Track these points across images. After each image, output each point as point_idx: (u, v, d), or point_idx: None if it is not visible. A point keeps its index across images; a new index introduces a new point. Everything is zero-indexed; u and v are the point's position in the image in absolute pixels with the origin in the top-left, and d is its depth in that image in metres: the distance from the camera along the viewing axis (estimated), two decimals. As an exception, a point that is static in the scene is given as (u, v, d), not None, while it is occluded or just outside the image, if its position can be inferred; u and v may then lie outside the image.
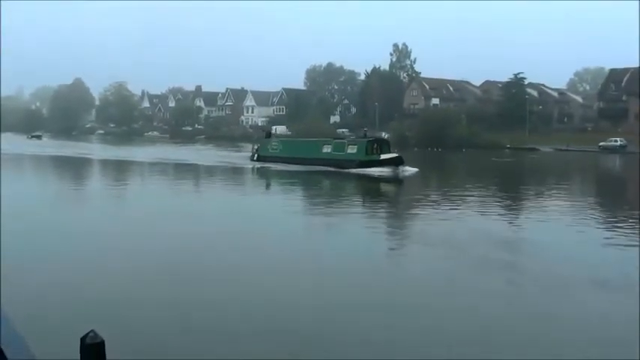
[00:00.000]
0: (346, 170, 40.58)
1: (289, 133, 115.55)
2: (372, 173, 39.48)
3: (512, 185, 37.12)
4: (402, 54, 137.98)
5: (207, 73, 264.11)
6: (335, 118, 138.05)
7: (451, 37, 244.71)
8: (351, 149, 43.41)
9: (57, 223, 17.95)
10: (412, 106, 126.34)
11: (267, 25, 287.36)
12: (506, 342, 9.02)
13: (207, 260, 12.99)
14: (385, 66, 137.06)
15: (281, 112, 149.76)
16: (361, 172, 39.64)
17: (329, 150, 44.75)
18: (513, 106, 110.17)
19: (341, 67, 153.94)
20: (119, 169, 46.37)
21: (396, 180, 38.02)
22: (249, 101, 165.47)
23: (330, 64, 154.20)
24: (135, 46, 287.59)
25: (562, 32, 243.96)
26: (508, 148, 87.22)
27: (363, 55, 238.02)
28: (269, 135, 55.22)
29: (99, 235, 16.15)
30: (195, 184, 34.42)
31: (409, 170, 40.73)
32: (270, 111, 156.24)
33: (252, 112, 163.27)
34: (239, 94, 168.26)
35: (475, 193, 31.26)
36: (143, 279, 11.54)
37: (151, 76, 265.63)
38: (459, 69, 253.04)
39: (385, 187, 35.49)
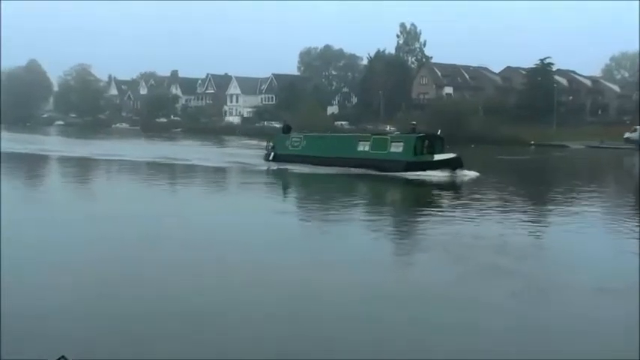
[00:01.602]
0: (389, 174, 37.01)
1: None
2: (424, 178, 36.11)
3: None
4: (410, 36, 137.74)
5: (185, 55, 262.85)
6: (333, 109, 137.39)
7: (467, 17, 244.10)
8: (396, 147, 39.55)
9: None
10: (422, 96, 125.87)
11: (254, 2, 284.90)
12: None
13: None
14: (391, 49, 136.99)
15: (270, 102, 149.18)
16: (409, 177, 36.22)
17: (366, 148, 41.15)
18: (539, 96, 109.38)
19: (340, 51, 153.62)
20: (91, 171, 42.08)
21: (455, 187, 34.20)
22: (234, 89, 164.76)
23: (327, 47, 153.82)
24: (101, 25, 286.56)
25: (594, 11, 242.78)
26: (532, 144, 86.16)
27: (366, 36, 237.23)
28: (288, 129, 50.26)
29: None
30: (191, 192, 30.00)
31: (469, 174, 37.16)
32: (257, 100, 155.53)
33: (237, 102, 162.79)
34: (222, 81, 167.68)
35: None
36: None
37: (119, 59, 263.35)
38: (475, 54, 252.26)
39: (450, 198, 30.39)
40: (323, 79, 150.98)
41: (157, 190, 29.99)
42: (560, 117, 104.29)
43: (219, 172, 41.61)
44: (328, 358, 8.97)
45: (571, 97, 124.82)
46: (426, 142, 39.53)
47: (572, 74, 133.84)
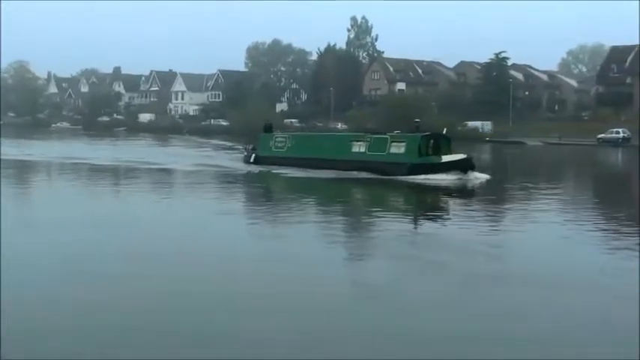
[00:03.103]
0: (390, 177, 34.34)
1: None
2: (430, 182, 33.31)
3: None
4: (361, 30, 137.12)
5: (127, 52, 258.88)
6: (282, 106, 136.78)
7: (419, 11, 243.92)
8: (397, 148, 36.76)
9: None
10: (373, 92, 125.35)
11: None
12: None
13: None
14: (342, 44, 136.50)
15: (217, 99, 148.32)
16: (413, 181, 33.44)
17: (362, 149, 38.31)
18: (494, 92, 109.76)
19: (289, 45, 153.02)
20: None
21: (467, 192, 31.88)
22: (179, 86, 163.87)
23: (275, 41, 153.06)
24: (38, 19, 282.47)
25: (550, 4, 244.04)
26: (488, 140, 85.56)
27: (316, 30, 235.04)
28: (270, 128, 47.03)
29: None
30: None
31: (480, 177, 34.78)
32: (204, 97, 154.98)
33: (183, 99, 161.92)
34: (166, 78, 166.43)
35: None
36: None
37: (58, 55, 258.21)
38: (429, 49, 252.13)
39: (474, 206, 27.12)
40: (271, 76, 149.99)
41: (145, 196, 28.27)
42: (516, 112, 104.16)
43: (195, 176, 37.49)
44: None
45: (527, 92, 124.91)
46: (432, 141, 37.17)
47: (529, 69, 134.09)
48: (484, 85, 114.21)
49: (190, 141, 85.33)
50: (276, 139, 43.88)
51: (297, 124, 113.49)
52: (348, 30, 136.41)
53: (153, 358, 8.93)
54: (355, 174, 35.52)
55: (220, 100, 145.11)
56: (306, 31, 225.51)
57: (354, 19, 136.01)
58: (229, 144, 69.38)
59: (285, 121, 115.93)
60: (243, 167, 41.86)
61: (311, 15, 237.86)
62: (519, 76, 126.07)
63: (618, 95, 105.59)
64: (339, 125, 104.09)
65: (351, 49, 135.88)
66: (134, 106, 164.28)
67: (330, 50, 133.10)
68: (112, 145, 73.72)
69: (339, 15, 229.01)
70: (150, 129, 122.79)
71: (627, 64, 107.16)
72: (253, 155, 43.41)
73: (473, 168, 34.90)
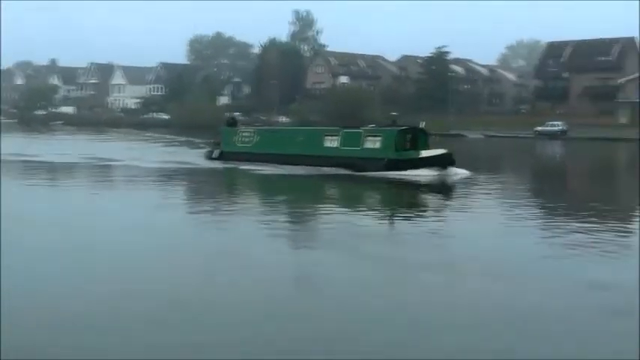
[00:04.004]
0: (366, 174, 33.34)
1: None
2: (409, 178, 32.40)
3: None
4: (304, 23, 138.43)
5: (64, 42, 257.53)
6: (224, 100, 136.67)
7: (363, 5, 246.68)
8: (373, 143, 35.68)
9: None
10: (317, 85, 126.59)
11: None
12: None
13: None
14: (284, 38, 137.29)
15: (158, 92, 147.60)
16: (390, 177, 32.54)
17: (335, 144, 37.21)
18: (435, 85, 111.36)
19: (231, 38, 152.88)
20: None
21: (447, 188, 31.09)
22: (119, 78, 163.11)
23: (218, 34, 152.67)
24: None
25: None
26: (431, 134, 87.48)
27: (258, 23, 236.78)
28: (234, 122, 45.97)
29: None
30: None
31: (460, 173, 33.65)
32: (144, 90, 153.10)
33: (123, 92, 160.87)
34: (105, 70, 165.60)
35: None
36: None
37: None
38: (372, 42, 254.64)
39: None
40: (214, 69, 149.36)
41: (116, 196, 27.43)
42: (457, 106, 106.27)
43: (166, 175, 35.39)
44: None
45: (468, 86, 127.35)
46: (409, 136, 35.94)
47: (469, 63, 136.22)
48: (426, 79, 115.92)
49: (133, 134, 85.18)
50: (242, 134, 42.57)
51: (240, 118, 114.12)
52: (291, 23, 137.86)
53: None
54: (328, 170, 34.45)
55: (161, 93, 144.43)
56: (249, 25, 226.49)
57: (296, 12, 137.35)
58: (184, 138, 68.48)
59: (227, 114, 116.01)
60: (206, 164, 40.27)
61: (254, 8, 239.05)
62: (460, 70, 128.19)
63: (555, 89, 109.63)
64: (283, 119, 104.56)
65: (294, 43, 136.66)
66: (72, 99, 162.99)
67: (273, 44, 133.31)
68: (58, 140, 71.52)
69: (282, 8, 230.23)
70: (89, 122, 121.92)
71: (563, 59, 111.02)
72: (217, 151, 42.10)
73: (453, 163, 33.82)
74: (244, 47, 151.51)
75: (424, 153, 34.33)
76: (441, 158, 33.70)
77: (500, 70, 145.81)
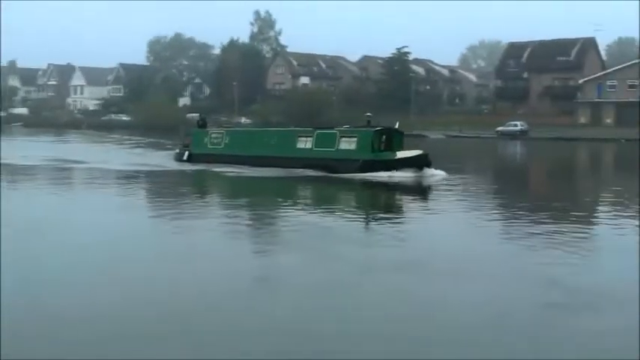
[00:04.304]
0: (341, 175, 32.63)
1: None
2: (384, 179, 31.65)
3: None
4: (265, 24, 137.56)
5: (23, 44, 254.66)
6: (185, 101, 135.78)
7: (323, 6, 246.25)
8: (347, 144, 34.78)
9: None
10: (277, 86, 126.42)
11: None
12: None
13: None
14: (245, 38, 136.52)
15: (118, 93, 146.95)
16: (365, 179, 31.71)
17: (308, 145, 36.31)
18: (396, 86, 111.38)
19: (191, 39, 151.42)
20: None
21: (424, 190, 30.09)
22: (78, 80, 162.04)
23: (178, 35, 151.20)
24: None
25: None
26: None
27: (218, 24, 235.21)
28: (204, 123, 44.58)
29: None
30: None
31: (437, 174, 32.88)
32: (104, 92, 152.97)
33: (82, 93, 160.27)
34: (65, 71, 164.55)
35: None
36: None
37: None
38: (332, 43, 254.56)
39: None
40: (174, 70, 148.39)
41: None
42: (418, 106, 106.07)
43: (133, 177, 34.25)
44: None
45: (428, 87, 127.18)
46: (384, 137, 35.07)
47: (430, 63, 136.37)
48: (386, 79, 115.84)
49: (96, 136, 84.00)
50: (212, 135, 41.49)
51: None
52: (252, 24, 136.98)
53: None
54: (301, 172, 33.51)
55: (121, 94, 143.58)
56: (209, 25, 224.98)
57: (257, 13, 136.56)
58: (149, 140, 67.48)
59: (188, 115, 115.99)
60: (176, 166, 39.33)
61: (214, 9, 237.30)
62: (421, 70, 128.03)
63: (515, 90, 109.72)
64: (243, 120, 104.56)
65: (255, 44, 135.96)
66: (31, 100, 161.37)
67: (233, 44, 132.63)
68: (20, 142, 69.42)
69: (242, 9, 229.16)
70: (48, 124, 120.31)
71: (524, 59, 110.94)
72: (186, 153, 41.11)
73: (429, 164, 33.19)
74: (205, 48, 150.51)
75: (400, 154, 33.59)
76: (418, 159, 33.02)
77: (460, 71, 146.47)
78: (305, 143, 36.54)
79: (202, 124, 44.01)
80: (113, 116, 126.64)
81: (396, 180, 31.48)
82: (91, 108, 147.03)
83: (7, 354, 8.45)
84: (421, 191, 29.80)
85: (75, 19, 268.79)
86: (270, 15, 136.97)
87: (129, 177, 34.03)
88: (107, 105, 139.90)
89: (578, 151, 65.17)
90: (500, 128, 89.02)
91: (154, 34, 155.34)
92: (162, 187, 31.44)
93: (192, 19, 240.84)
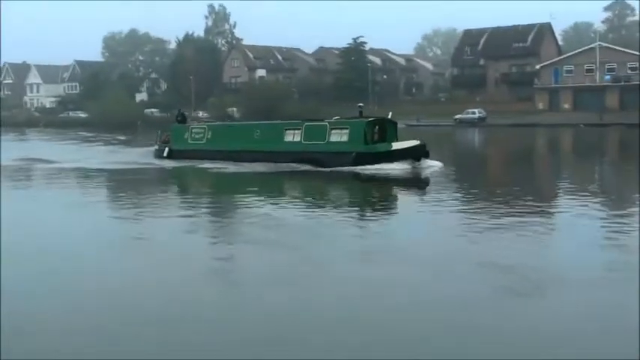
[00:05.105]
0: (333, 169, 30.95)
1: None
2: (380, 172, 29.99)
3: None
4: (219, 17, 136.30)
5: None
6: (142, 96, 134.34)
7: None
8: (339, 135, 33.03)
9: None
10: (234, 79, 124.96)
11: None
12: None
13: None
14: (200, 32, 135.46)
15: (74, 91, 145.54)
16: (360, 172, 30.18)
17: (296, 138, 34.47)
18: (353, 76, 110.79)
19: (146, 34, 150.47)
20: None
21: (421, 182, 28.58)
22: (34, 78, 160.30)
23: (132, 31, 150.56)
24: None
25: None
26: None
27: (173, 19, 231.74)
28: (184, 119, 42.79)
29: None
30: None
31: (433, 165, 31.33)
32: (60, 89, 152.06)
33: (38, 92, 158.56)
34: (20, 70, 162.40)
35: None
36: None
37: None
38: (288, 35, 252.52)
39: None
40: (129, 65, 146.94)
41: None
42: (375, 96, 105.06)
43: (118, 174, 33.03)
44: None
45: (385, 76, 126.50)
46: (377, 127, 33.42)
47: (386, 53, 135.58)
48: (343, 70, 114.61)
49: (59, 134, 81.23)
50: (193, 130, 39.66)
51: (159, 114, 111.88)
52: (206, 17, 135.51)
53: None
54: (290, 166, 32.22)
55: (77, 91, 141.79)
56: (164, 20, 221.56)
57: (211, 6, 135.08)
58: (111, 136, 66.19)
59: (146, 111, 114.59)
60: (156, 163, 37.76)
61: (168, 4, 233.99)
62: (377, 60, 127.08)
63: (472, 77, 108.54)
64: (201, 114, 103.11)
65: (210, 37, 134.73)
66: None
67: (188, 39, 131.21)
68: None
69: (196, 3, 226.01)
70: (6, 123, 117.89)
71: (480, 47, 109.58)
72: (166, 149, 39.46)
73: (427, 155, 31.47)
74: (160, 43, 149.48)
75: (395, 145, 31.82)
76: (414, 150, 31.13)
77: (417, 60, 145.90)
78: (293, 136, 34.75)
79: (181, 120, 42.17)
80: (71, 113, 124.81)
81: (394, 172, 29.82)
82: (48, 106, 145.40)
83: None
84: (418, 183, 28.31)
85: (29, 16, 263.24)
86: (224, 8, 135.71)
87: (113, 175, 32.62)
88: (64, 102, 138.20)
89: (537, 138, 63.97)
90: (458, 116, 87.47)
91: (109, 30, 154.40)
92: (135, 185, 29.06)
93: (147, 15, 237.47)
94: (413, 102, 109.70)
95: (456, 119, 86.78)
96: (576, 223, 17.19)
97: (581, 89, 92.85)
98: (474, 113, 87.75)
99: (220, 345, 8.92)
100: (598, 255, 13.70)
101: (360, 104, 37.13)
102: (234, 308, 10.50)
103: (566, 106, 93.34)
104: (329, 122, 34.41)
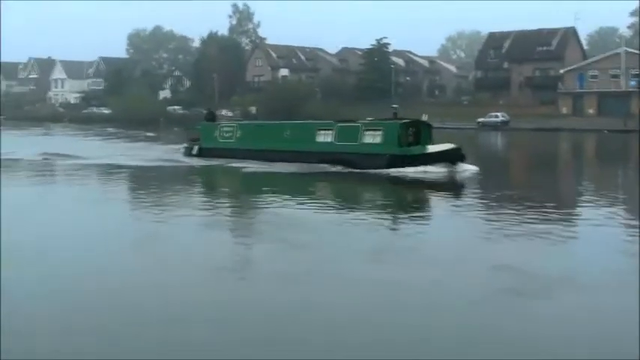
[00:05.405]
0: (365, 171, 30.40)
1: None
2: (414, 175, 29.39)
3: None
4: (243, 16, 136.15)
5: (3, 38, 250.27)
6: (165, 93, 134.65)
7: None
8: (373, 137, 32.38)
9: None
10: (257, 79, 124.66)
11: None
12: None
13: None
14: (224, 31, 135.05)
15: (98, 87, 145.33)
16: (394, 174, 29.57)
17: (329, 139, 33.97)
18: (376, 77, 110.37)
19: (170, 32, 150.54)
20: None
21: (456, 186, 28.14)
22: (59, 73, 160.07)
23: (157, 28, 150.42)
24: None
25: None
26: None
27: (198, 17, 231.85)
28: (213, 117, 43.11)
29: None
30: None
31: (468, 169, 30.66)
32: (84, 85, 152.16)
33: (63, 87, 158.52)
34: (45, 65, 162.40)
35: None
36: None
37: None
38: (312, 35, 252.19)
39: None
40: (153, 63, 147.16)
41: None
42: (398, 98, 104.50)
43: (150, 171, 33.18)
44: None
45: (408, 78, 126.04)
46: (412, 129, 32.64)
47: (409, 54, 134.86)
48: (366, 71, 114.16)
49: (84, 129, 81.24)
50: (223, 129, 39.43)
51: (181, 112, 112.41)
52: (230, 17, 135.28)
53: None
54: (321, 167, 31.84)
55: (101, 87, 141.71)
56: (189, 18, 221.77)
57: (235, 5, 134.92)
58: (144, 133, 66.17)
59: (169, 108, 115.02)
60: (186, 161, 37.67)
61: (193, 2, 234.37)
62: (400, 61, 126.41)
63: (496, 80, 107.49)
64: (224, 112, 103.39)
65: (234, 36, 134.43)
66: (12, 94, 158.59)
67: (212, 37, 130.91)
68: (10, 136, 64.32)
69: (220, 2, 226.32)
70: (30, 118, 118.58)
71: (504, 50, 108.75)
72: (196, 147, 39.26)
73: (463, 159, 30.91)
74: (184, 41, 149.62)
75: (432, 148, 31.43)
76: (450, 153, 30.65)
77: (440, 62, 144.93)
78: (325, 137, 34.30)
79: (211, 118, 42.34)
80: (94, 109, 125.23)
81: (429, 176, 29.21)
82: (72, 101, 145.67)
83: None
84: (453, 187, 27.83)
85: (55, 12, 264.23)
86: (248, 7, 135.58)
87: (150, 173, 32.78)
88: (88, 98, 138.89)
89: (560, 142, 63.60)
90: (481, 119, 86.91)
91: (134, 27, 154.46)
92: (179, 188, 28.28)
93: (172, 12, 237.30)
94: (436, 104, 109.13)
95: (479, 122, 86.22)
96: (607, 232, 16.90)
97: (606, 94, 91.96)
98: (496, 117, 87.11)
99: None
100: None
101: (394, 105, 36.96)
102: (305, 308, 10.53)
103: (591, 111, 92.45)
104: (362, 123, 33.90)
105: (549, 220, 18.27)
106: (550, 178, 33.39)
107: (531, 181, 31.52)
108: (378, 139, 32.18)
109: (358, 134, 32.89)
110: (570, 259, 14.15)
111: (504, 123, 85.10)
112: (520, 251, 14.35)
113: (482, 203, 22.17)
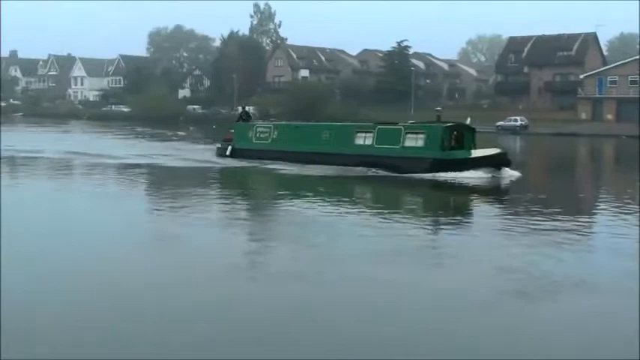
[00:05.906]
0: (406, 175, 29.76)
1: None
2: (458, 180, 28.74)
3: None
4: (264, 16, 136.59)
5: (23, 34, 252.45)
6: (184, 92, 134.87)
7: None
8: (414, 141, 31.67)
9: None
10: (277, 79, 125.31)
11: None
12: None
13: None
14: (245, 30, 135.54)
15: (118, 85, 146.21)
16: (437, 179, 28.94)
17: (368, 142, 33.17)
18: (396, 80, 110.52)
19: (191, 31, 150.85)
20: None
21: (500, 192, 27.64)
22: (78, 71, 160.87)
23: (178, 27, 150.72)
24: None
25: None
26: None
27: (218, 16, 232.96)
28: (247, 116, 42.41)
29: None
30: None
31: (512, 175, 29.97)
32: (104, 83, 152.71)
33: (82, 84, 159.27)
34: (65, 62, 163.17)
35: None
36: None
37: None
38: (332, 36, 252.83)
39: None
40: (174, 61, 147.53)
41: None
42: (417, 100, 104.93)
43: (185, 173, 33.14)
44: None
45: (428, 81, 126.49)
46: (456, 133, 31.76)
47: (429, 57, 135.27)
48: (386, 73, 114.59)
49: (106, 127, 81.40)
50: (258, 130, 38.51)
51: (200, 111, 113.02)
52: (251, 16, 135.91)
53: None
54: (361, 171, 31.04)
55: (121, 85, 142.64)
56: (209, 18, 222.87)
57: (256, 5, 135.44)
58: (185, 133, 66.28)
59: (188, 107, 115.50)
60: (219, 161, 36.72)
61: (214, 3, 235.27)
62: (420, 64, 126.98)
63: (515, 84, 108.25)
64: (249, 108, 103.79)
65: (254, 36, 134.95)
66: (32, 90, 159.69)
67: (233, 37, 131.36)
68: (34, 133, 65.58)
69: (242, 1, 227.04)
70: (49, 114, 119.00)
71: (524, 54, 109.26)
72: (229, 148, 38.35)
73: (508, 164, 30.33)
74: (205, 40, 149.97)
75: (476, 152, 30.64)
76: (495, 158, 30.12)
77: (460, 65, 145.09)
78: (364, 139, 33.47)
79: (245, 118, 41.55)
80: (113, 107, 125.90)
81: (473, 181, 28.50)
82: (91, 99, 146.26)
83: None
84: (498, 193, 27.16)
85: (76, 9, 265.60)
86: (269, 7, 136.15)
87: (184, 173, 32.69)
88: (107, 96, 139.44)
89: (579, 148, 63.78)
90: (500, 123, 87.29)
91: (155, 25, 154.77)
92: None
93: (193, 11, 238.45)
94: (455, 107, 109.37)
95: (498, 126, 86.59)
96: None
97: (625, 100, 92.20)
98: (515, 121, 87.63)
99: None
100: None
101: (438, 108, 35.97)
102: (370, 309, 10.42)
103: (609, 116, 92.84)
104: (404, 126, 33.04)
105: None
106: (582, 184, 33.73)
107: (570, 188, 31.57)
108: (420, 143, 31.37)
109: (400, 137, 32.09)
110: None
111: (523, 127, 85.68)
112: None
113: (524, 210, 21.43)
